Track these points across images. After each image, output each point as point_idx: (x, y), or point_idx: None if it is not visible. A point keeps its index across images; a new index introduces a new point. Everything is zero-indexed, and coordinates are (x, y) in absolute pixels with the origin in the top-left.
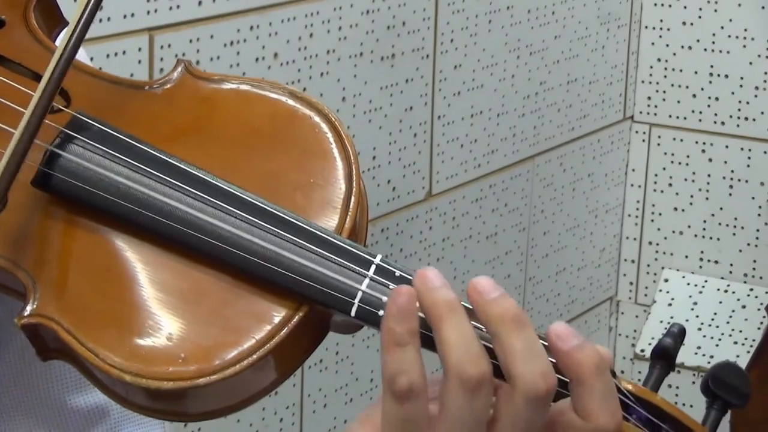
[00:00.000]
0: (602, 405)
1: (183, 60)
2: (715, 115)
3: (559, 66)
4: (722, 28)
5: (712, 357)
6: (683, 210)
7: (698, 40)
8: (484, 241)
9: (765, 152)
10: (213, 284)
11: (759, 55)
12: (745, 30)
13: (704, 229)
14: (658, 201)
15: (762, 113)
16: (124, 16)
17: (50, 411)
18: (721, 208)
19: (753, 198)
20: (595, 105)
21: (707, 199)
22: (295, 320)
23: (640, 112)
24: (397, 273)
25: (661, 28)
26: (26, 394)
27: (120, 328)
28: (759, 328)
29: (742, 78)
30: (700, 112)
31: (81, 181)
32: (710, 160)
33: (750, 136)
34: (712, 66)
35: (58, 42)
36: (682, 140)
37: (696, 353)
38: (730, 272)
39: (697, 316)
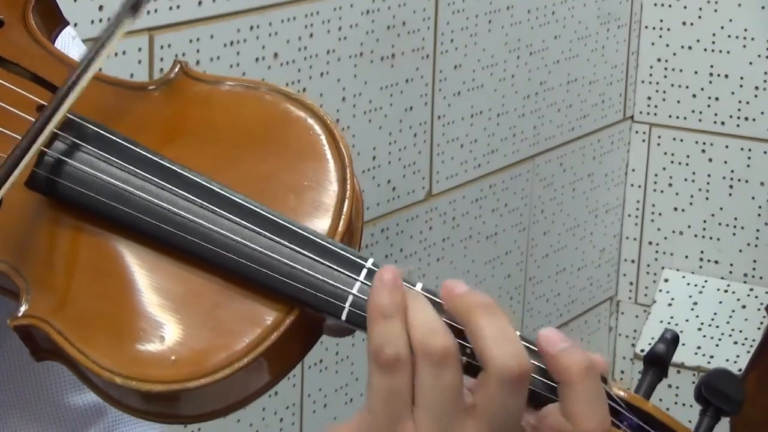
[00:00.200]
0: (589, 409)
1: (180, 61)
2: (715, 115)
3: (559, 66)
4: (722, 28)
5: (712, 357)
6: (683, 210)
7: (698, 40)
8: (484, 241)
9: (765, 152)
10: (205, 287)
11: (759, 55)
12: (745, 30)
13: (704, 229)
14: (658, 201)
15: (762, 113)
16: None
17: (47, 409)
18: (721, 208)
19: (753, 198)
20: (595, 105)
21: (707, 199)
22: (286, 323)
23: (640, 112)
24: (385, 266)
25: (661, 28)
26: (24, 392)
27: (111, 331)
28: (759, 328)
29: (742, 78)
30: (700, 112)
31: (75, 183)
32: (710, 160)
33: (750, 136)
34: (712, 66)
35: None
36: (682, 140)
37: (696, 353)
38: (730, 272)
39: (697, 316)
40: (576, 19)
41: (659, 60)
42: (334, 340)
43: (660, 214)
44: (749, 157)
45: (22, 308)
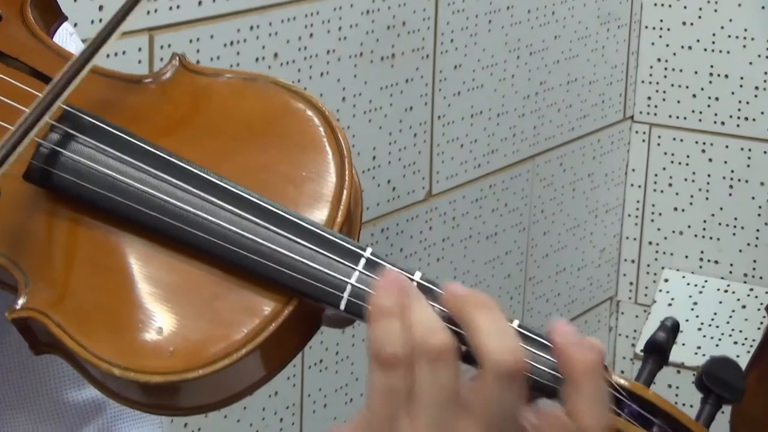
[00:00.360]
0: (590, 407)
1: (178, 54)
2: (715, 115)
3: (559, 66)
4: (722, 28)
5: None
6: (683, 210)
7: (698, 40)
8: (484, 241)
9: (765, 152)
10: (203, 278)
11: (759, 55)
12: (745, 30)
13: (704, 229)
14: (658, 201)
15: (762, 113)
16: None
17: (46, 405)
18: (721, 208)
19: (753, 198)
20: (595, 105)
21: (707, 199)
22: (284, 314)
23: (640, 112)
24: (388, 267)
25: (661, 28)
26: (23, 388)
27: (110, 323)
28: (759, 328)
29: (742, 78)
30: (700, 112)
31: (73, 175)
32: (710, 160)
33: (750, 136)
34: (712, 66)
35: (62, 43)
36: (682, 140)
37: (696, 353)
38: (730, 272)
39: (697, 316)
40: (576, 19)
41: (659, 60)
42: (335, 340)
43: (660, 214)
44: (749, 157)
45: (21, 301)
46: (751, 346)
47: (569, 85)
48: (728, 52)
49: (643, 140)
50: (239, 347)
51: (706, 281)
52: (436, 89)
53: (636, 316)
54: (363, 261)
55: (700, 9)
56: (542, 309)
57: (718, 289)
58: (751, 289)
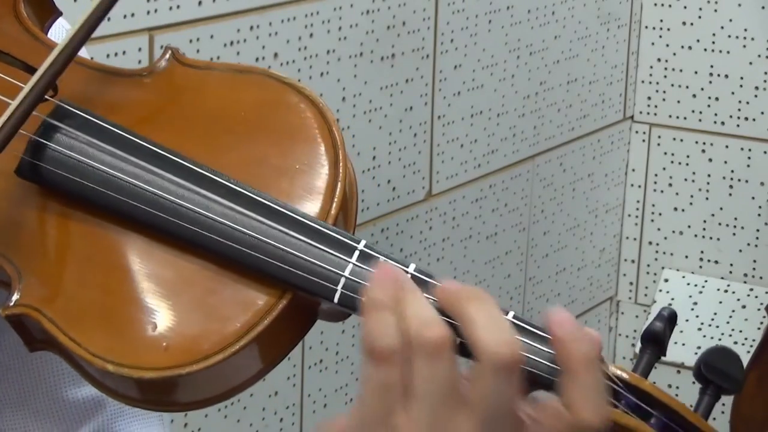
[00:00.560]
0: (587, 399)
1: (171, 47)
2: (715, 115)
3: (559, 66)
4: (722, 28)
5: None
6: (683, 210)
7: (698, 40)
8: (484, 241)
9: (765, 152)
10: (197, 273)
11: (759, 55)
12: (745, 30)
13: (704, 229)
14: (658, 201)
15: (762, 113)
16: (124, 16)
17: (46, 404)
18: (721, 208)
19: (753, 198)
20: (595, 105)
21: (707, 199)
22: (279, 308)
23: (640, 112)
24: (382, 259)
25: (661, 28)
26: (22, 386)
27: (103, 318)
28: (759, 328)
29: (742, 78)
30: (700, 112)
31: (64, 170)
32: (710, 160)
33: (750, 136)
34: (712, 66)
35: (58, 39)
36: (682, 140)
37: (696, 353)
38: (730, 272)
39: (697, 316)
40: (576, 19)
41: (659, 60)
42: (335, 340)
43: (660, 214)
44: (749, 157)
45: (14, 297)
46: (751, 346)
47: (569, 85)
48: (728, 52)
49: (643, 140)
50: (234, 342)
51: (706, 281)
52: (436, 89)
53: (636, 316)
54: (357, 253)
55: (700, 9)
56: (542, 309)
57: (718, 289)
58: (751, 289)
